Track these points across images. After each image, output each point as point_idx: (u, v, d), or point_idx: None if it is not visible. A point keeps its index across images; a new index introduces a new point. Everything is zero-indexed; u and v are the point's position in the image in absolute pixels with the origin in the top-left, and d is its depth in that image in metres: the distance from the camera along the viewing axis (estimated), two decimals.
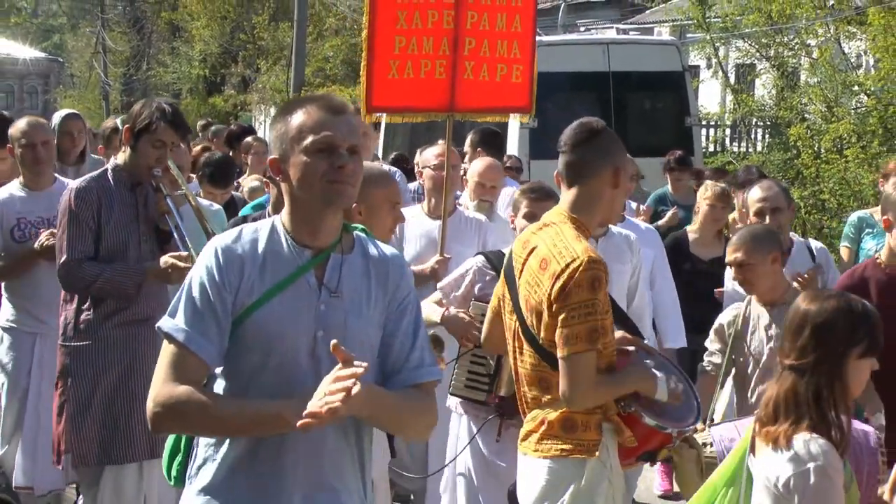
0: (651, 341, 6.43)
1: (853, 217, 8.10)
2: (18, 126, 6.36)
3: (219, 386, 3.16)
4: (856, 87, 16.21)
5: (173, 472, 3.37)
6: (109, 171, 5.41)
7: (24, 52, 53.01)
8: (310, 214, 3.15)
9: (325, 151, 3.07)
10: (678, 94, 13.14)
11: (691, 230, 7.68)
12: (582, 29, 26.88)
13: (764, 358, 5.03)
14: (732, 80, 20.85)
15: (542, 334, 4.08)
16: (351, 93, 27.17)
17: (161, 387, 3.04)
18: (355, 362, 2.86)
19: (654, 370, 4.24)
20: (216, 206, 6.72)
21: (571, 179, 4.22)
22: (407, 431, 4.07)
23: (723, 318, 5.26)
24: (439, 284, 5.56)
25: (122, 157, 5.43)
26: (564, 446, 4.10)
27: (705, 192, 7.52)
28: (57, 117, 8.03)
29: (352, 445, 3.19)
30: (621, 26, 26.57)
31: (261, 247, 3.14)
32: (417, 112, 7.01)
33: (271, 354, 3.09)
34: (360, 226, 3.36)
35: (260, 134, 29.61)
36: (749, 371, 5.10)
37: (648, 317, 6.58)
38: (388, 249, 3.33)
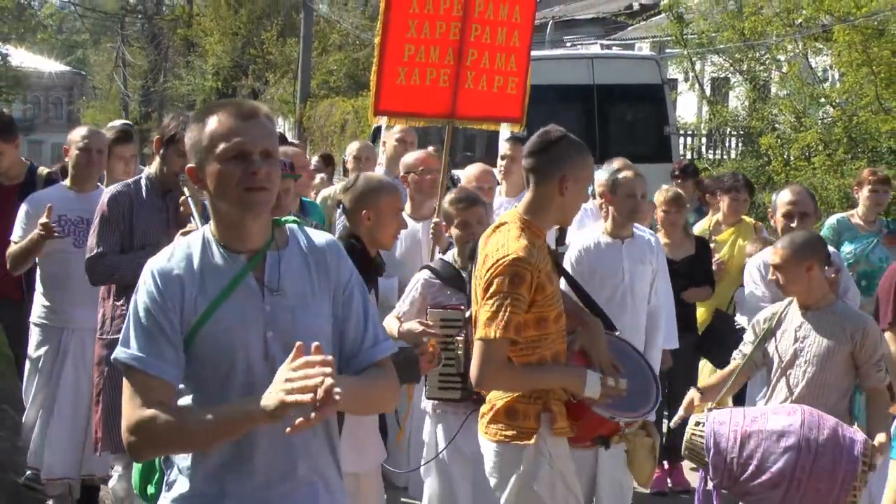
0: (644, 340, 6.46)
1: (832, 220, 7.82)
2: (80, 131, 6.40)
3: (182, 403, 2.95)
4: (822, 100, 16.22)
5: (150, 491, 3.20)
6: (143, 178, 5.50)
7: (50, 65, 53.08)
8: (233, 221, 2.95)
9: (237, 158, 2.87)
10: (658, 106, 13.14)
11: (659, 235, 7.56)
12: (568, 44, 26.84)
13: (787, 357, 4.92)
14: (708, 92, 20.87)
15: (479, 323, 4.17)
16: (353, 104, 27.19)
17: (130, 415, 2.84)
18: (320, 355, 2.66)
19: (586, 369, 4.23)
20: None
21: (528, 183, 4.29)
22: (373, 410, 4.13)
23: (761, 315, 5.14)
24: (394, 311, 5.46)
25: (154, 165, 5.51)
26: (507, 432, 4.18)
27: (658, 199, 7.42)
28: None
29: (319, 430, 2.99)
30: (605, 42, 26.46)
31: (196, 261, 2.94)
32: (421, 118, 7.02)
33: (227, 365, 2.91)
34: (292, 217, 3.16)
35: None
36: (773, 368, 4.99)
37: (664, 316, 6.53)
38: (323, 236, 3.13)
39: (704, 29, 18.85)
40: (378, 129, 12.29)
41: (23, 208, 6.28)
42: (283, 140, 10.37)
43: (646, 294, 6.13)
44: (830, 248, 6.32)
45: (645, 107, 13.26)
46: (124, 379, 2.89)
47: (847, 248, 7.39)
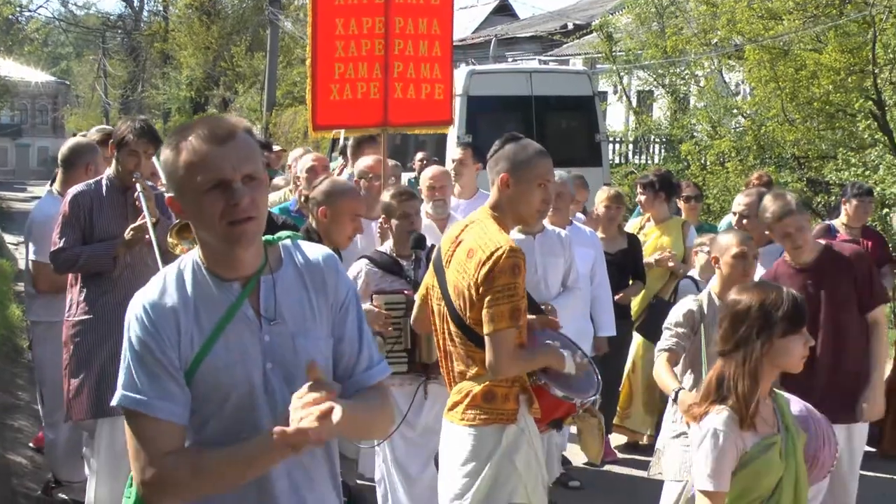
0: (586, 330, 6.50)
1: (726, 220, 7.92)
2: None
3: (190, 444, 2.52)
4: (735, 111, 16.38)
5: None
6: (104, 178, 5.50)
7: (36, 76, 52.27)
8: (221, 252, 2.48)
9: (217, 188, 2.38)
10: (589, 115, 13.18)
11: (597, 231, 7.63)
12: (509, 60, 26.95)
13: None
14: (634, 103, 21.01)
15: (468, 315, 4.00)
16: None
17: (143, 468, 2.41)
18: (327, 384, 2.32)
19: (560, 348, 4.19)
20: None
21: (491, 184, 4.21)
22: (366, 436, 3.70)
23: (690, 306, 4.97)
24: None
25: (112, 167, 5.51)
26: (486, 415, 4.01)
27: (601, 196, 7.48)
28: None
29: (319, 453, 2.62)
30: (542, 58, 26.66)
31: (189, 292, 2.48)
32: (356, 128, 7.00)
33: (227, 400, 2.48)
34: (285, 233, 2.68)
35: None
36: (702, 355, 4.86)
37: (587, 306, 6.61)
38: (319, 251, 2.68)
39: (631, 47, 19.00)
40: (335, 140, 12.27)
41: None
42: (265, 147, 10.23)
43: (558, 283, 6.09)
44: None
45: (578, 116, 13.31)
46: (128, 424, 2.45)
47: None
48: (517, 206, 4.13)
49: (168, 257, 5.56)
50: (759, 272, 5.92)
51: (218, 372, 2.46)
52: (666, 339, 4.97)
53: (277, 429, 2.24)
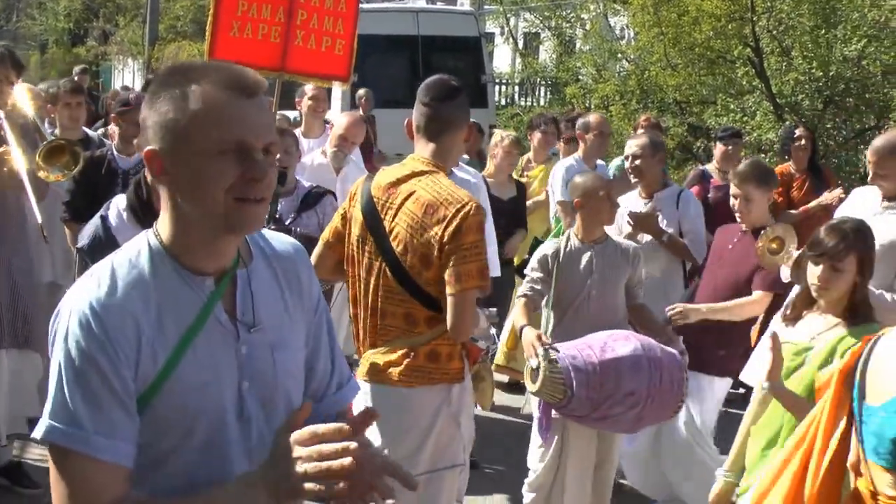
0: None
1: (617, 161, 7.95)
2: None
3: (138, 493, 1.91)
4: (619, 55, 16.43)
5: None
6: None
7: None
8: (206, 235, 1.92)
9: (233, 153, 1.86)
10: (475, 56, 13.16)
11: (488, 175, 7.46)
12: None
13: (576, 286, 4.89)
14: (521, 45, 20.93)
15: (424, 273, 3.74)
16: (199, 48, 26.26)
17: None
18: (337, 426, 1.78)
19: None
20: None
21: (434, 132, 3.88)
22: None
23: (546, 250, 4.99)
24: None
25: None
26: (433, 375, 3.80)
27: (502, 142, 7.30)
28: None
29: None
30: None
31: (151, 289, 1.89)
32: (252, 68, 6.82)
33: (193, 431, 1.90)
34: None
35: (116, 85, 28.42)
36: (562, 297, 4.92)
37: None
38: (285, 241, 2.15)
39: None
40: None
41: None
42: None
43: None
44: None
45: (464, 57, 13.24)
46: (55, 466, 1.84)
47: None
48: (455, 156, 4.01)
49: (38, 192, 5.20)
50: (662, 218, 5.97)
51: (185, 395, 1.88)
52: (524, 286, 5.01)
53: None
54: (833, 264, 3.64)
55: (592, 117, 7.73)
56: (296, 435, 1.78)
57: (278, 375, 2.00)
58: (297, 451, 1.76)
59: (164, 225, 1.94)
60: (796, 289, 4.26)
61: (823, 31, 12.15)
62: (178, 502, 1.89)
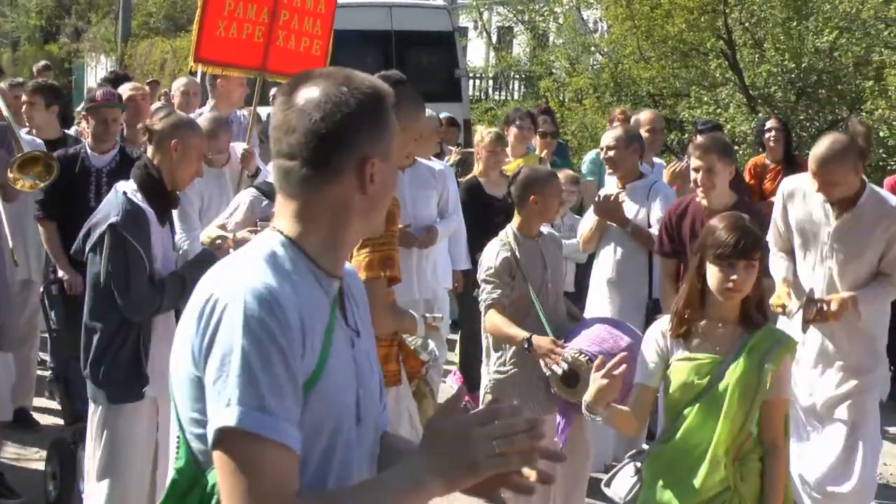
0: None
1: (592, 154, 7.96)
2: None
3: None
4: (592, 48, 16.44)
5: None
6: None
7: None
8: (358, 235, 1.97)
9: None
10: (449, 51, 13.13)
11: (478, 175, 7.38)
12: None
13: (539, 282, 4.81)
14: (494, 39, 20.92)
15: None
16: (172, 44, 26.07)
17: None
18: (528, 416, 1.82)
19: (411, 311, 4.01)
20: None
21: None
22: None
23: (503, 253, 4.80)
24: (215, 221, 5.24)
25: None
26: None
27: (483, 142, 7.22)
28: None
29: None
30: None
31: (296, 284, 1.84)
32: (235, 68, 6.98)
33: (338, 433, 1.86)
34: None
35: (91, 82, 28.15)
36: (531, 297, 4.78)
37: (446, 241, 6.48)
38: None
39: None
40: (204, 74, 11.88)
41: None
42: (125, 79, 9.81)
43: (431, 218, 6.07)
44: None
45: (438, 51, 13.21)
46: (237, 455, 1.72)
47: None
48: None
49: (8, 194, 5.17)
50: (632, 208, 5.96)
51: (333, 395, 1.84)
52: (490, 292, 4.76)
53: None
54: (749, 262, 3.41)
55: (644, 114, 7.61)
56: (474, 416, 1.79)
57: (377, 381, 2.00)
58: (481, 431, 1.75)
59: (294, 225, 1.89)
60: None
61: (795, 23, 12.19)
62: (351, 492, 1.82)
